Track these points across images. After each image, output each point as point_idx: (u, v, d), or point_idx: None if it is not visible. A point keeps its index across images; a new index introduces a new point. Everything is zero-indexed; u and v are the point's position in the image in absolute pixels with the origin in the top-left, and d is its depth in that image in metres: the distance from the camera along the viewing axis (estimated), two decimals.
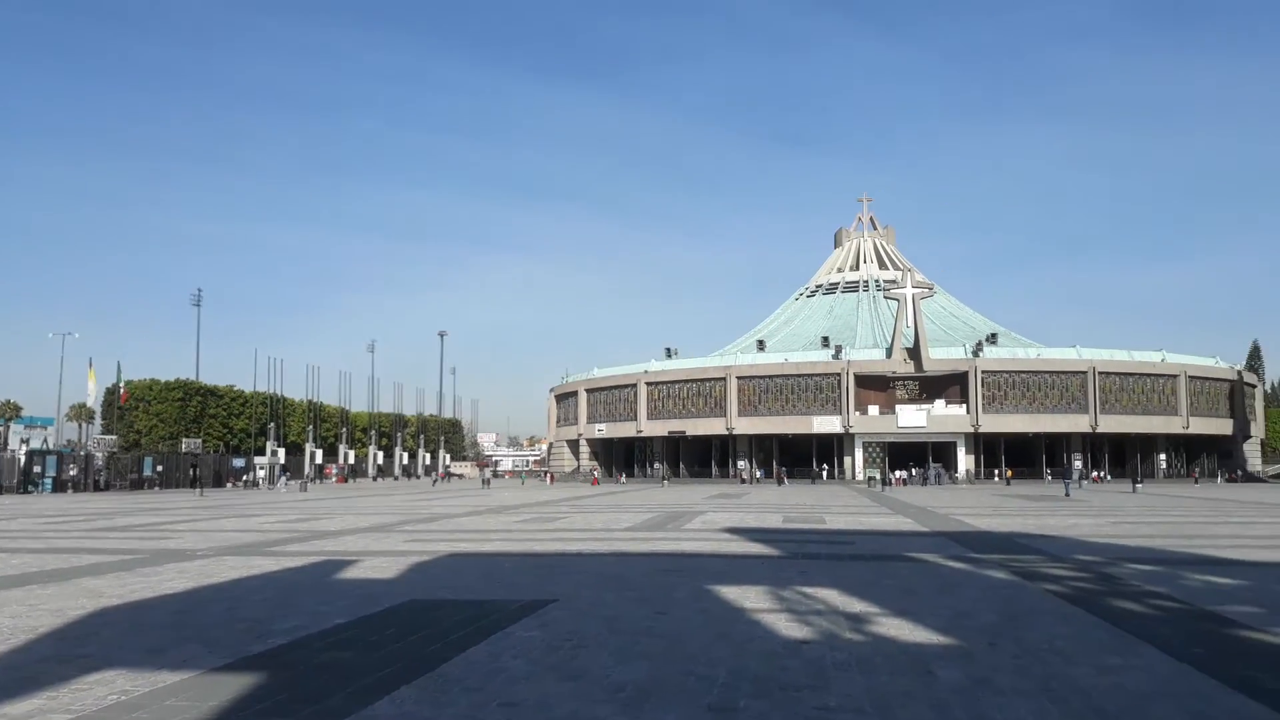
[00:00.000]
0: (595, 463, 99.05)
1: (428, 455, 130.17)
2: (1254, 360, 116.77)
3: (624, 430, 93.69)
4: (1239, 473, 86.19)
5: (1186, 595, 12.05)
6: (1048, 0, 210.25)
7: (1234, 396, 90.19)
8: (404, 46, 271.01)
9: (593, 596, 12.06)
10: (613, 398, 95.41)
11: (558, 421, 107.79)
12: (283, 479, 69.92)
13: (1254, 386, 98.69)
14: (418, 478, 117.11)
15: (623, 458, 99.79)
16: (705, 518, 29.47)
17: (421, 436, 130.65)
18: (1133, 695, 6.93)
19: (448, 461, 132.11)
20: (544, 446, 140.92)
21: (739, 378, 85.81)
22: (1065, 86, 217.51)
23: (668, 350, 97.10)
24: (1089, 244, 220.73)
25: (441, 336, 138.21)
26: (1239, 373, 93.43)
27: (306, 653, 8.55)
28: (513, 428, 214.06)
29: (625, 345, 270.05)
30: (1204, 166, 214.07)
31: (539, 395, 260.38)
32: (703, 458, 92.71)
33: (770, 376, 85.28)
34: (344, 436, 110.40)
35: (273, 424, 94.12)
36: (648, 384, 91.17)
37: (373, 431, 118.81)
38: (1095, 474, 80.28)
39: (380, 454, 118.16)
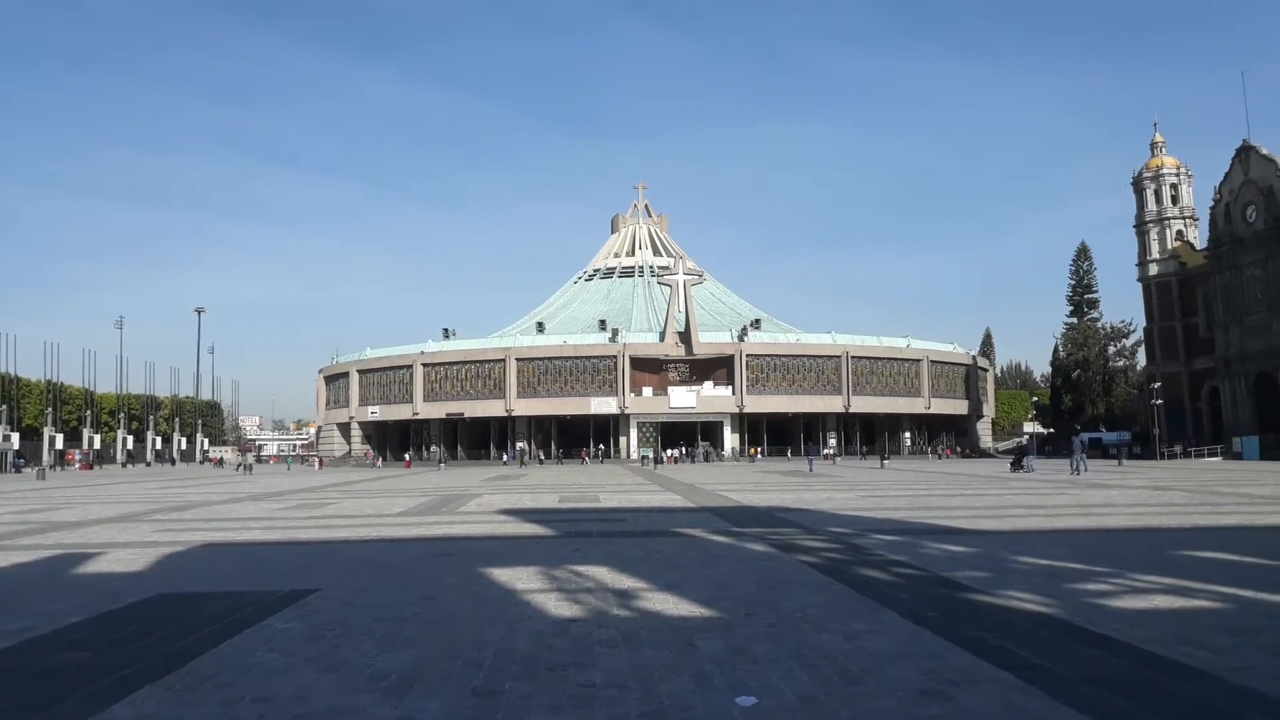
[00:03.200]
0: (368, 446, 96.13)
1: (183, 440, 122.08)
2: (986, 346, 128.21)
3: (399, 413, 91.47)
4: (971, 449, 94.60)
5: (925, 563, 13.07)
6: (819, 4, 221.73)
7: (969, 379, 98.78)
8: None
9: (358, 584, 11.69)
10: (387, 379, 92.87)
11: (328, 404, 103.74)
12: (14, 465, 63.57)
13: (986, 370, 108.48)
14: (172, 463, 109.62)
15: (398, 441, 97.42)
16: (481, 500, 29.23)
17: (177, 420, 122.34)
18: (874, 657, 7.44)
19: (205, 446, 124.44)
20: (313, 430, 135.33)
21: (518, 359, 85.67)
22: (833, 87, 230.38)
23: (445, 331, 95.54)
24: (845, 236, 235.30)
25: (199, 313, 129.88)
26: (974, 358, 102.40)
27: (35, 656, 7.81)
28: (278, 410, 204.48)
29: (400, 325, 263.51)
30: (952, 167, 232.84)
31: (307, 376, 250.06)
32: (481, 440, 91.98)
33: (549, 358, 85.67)
34: (89, 420, 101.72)
35: (4, 406, 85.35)
36: (424, 365, 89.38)
37: (121, 415, 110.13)
38: (826, 452, 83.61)
39: (130, 439, 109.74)
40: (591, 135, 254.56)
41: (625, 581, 11.48)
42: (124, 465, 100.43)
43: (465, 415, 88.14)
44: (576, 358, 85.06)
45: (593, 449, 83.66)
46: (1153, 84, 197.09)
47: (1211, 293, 73.10)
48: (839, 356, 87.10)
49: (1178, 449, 69.66)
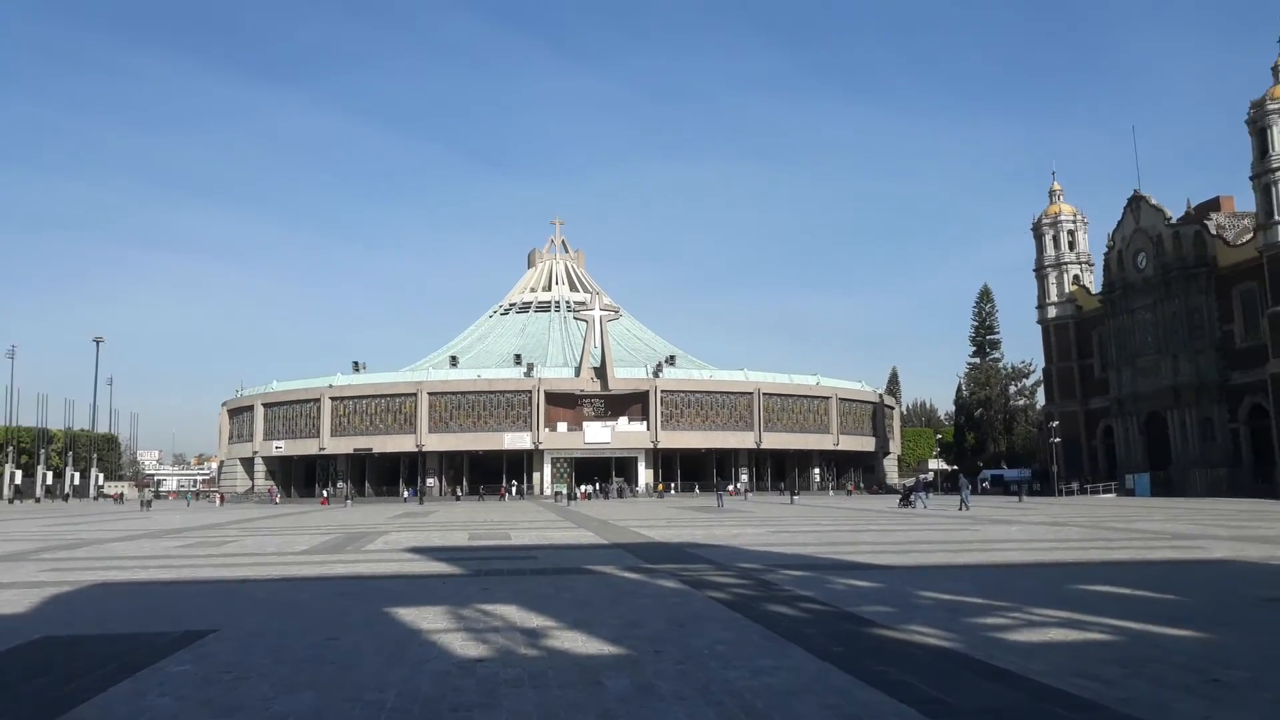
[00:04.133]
0: (272, 482, 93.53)
1: (76, 474, 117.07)
2: (893, 385, 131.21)
3: (305, 448, 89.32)
4: (878, 485, 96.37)
5: (832, 598, 13.25)
6: (734, 50, 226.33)
7: (876, 417, 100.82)
8: (56, 15, 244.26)
9: (258, 625, 11.35)
10: (293, 413, 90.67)
11: (231, 438, 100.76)
12: None
13: (893, 408, 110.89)
14: (65, 499, 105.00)
15: (303, 477, 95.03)
16: (388, 538, 28.66)
17: (70, 454, 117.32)
18: (780, 694, 7.51)
19: (101, 481, 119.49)
20: (214, 465, 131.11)
21: (431, 393, 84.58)
22: (747, 130, 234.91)
23: (355, 364, 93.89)
24: (759, 275, 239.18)
25: (97, 343, 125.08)
26: (881, 396, 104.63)
27: None
28: (179, 444, 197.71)
29: (308, 359, 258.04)
30: (864, 209, 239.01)
31: (210, 409, 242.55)
32: (390, 476, 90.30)
33: (463, 393, 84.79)
34: None
35: None
36: (333, 399, 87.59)
37: (10, 448, 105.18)
38: (731, 488, 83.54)
39: (20, 473, 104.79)
40: (509, 170, 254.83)
41: (534, 620, 11.38)
42: (11, 501, 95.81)
43: (374, 450, 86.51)
44: (490, 392, 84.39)
45: (506, 484, 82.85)
46: (1052, 134, 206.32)
47: (1106, 335, 76.17)
48: (751, 393, 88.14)
49: (1075, 485, 72.05)
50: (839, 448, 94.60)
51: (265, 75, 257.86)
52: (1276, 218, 57.37)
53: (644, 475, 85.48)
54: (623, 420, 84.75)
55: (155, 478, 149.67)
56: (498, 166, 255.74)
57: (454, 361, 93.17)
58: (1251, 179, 59.63)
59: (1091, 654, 8.98)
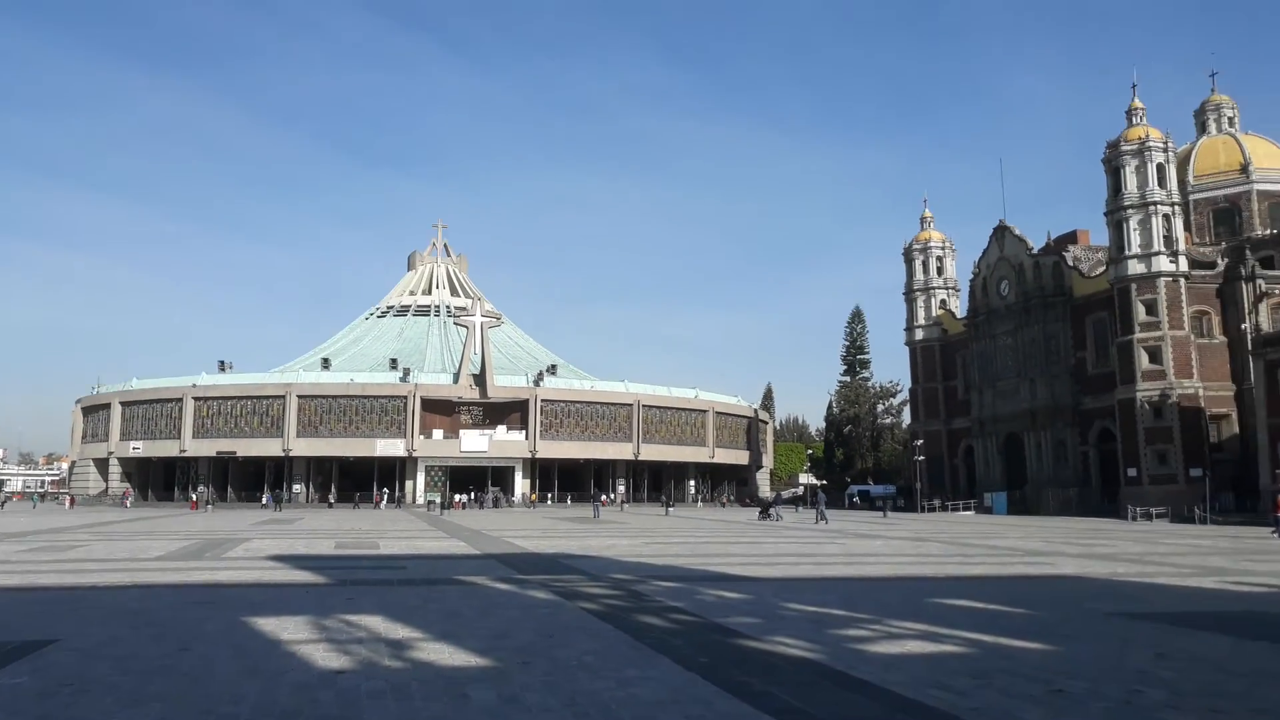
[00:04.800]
0: (128, 484, 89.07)
1: None
2: (768, 400, 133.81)
3: (165, 449, 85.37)
4: (750, 498, 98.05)
5: (701, 609, 13.40)
6: (627, 63, 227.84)
7: (751, 431, 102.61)
8: None
9: (104, 634, 10.78)
10: (154, 413, 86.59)
11: (84, 437, 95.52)
12: None
13: (767, 423, 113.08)
14: None
15: (162, 480, 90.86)
16: (250, 545, 27.67)
17: None
18: (645, 704, 7.54)
19: None
20: (65, 465, 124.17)
21: (300, 396, 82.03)
22: (637, 144, 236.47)
23: (221, 364, 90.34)
24: (643, 288, 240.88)
25: None
26: (756, 411, 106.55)
27: None
28: (27, 443, 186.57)
29: (171, 356, 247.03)
30: (746, 227, 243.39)
31: (62, 406, 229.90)
32: (255, 481, 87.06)
33: (334, 396, 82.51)
34: None
35: None
36: (196, 399, 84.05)
37: None
38: (604, 498, 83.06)
39: None
40: (391, 170, 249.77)
41: (400, 631, 11.14)
42: None
43: (238, 454, 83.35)
44: (364, 397, 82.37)
45: (378, 492, 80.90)
46: (926, 163, 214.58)
47: (969, 359, 79.42)
48: (631, 405, 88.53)
49: (937, 502, 74.77)
50: (714, 460, 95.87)
51: (133, 58, 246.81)
52: (1127, 253, 60.94)
53: (521, 485, 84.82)
54: (501, 429, 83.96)
55: None
56: (380, 165, 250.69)
57: (326, 364, 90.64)
58: (1106, 215, 63.18)
59: (946, 665, 9.32)
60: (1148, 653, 10.14)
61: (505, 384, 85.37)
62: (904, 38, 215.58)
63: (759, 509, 56.05)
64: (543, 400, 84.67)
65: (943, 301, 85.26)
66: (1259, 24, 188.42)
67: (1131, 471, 59.75)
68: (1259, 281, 60.40)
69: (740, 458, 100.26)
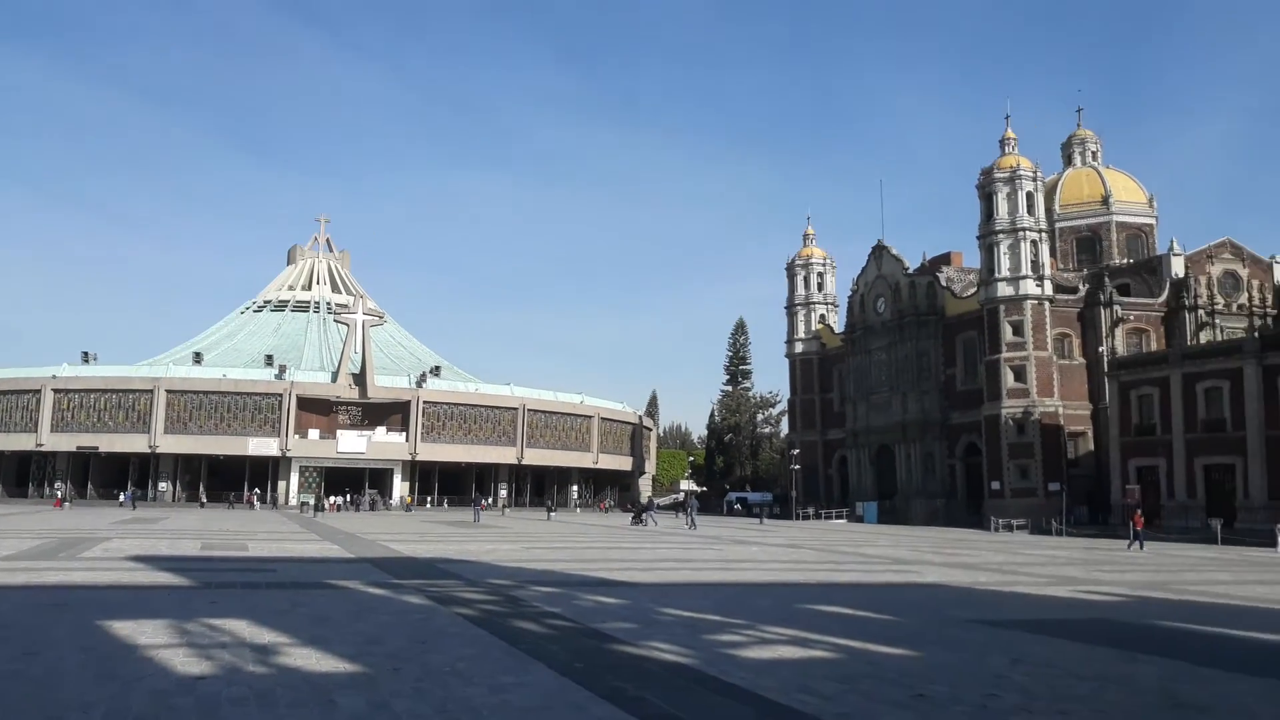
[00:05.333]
0: None
1: None
2: (652, 407, 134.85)
3: (19, 443, 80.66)
4: (632, 504, 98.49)
5: (578, 614, 13.40)
6: (520, 66, 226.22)
7: (635, 437, 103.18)
8: None
9: None
10: (8, 404, 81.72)
11: None
12: None
13: (651, 430, 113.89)
14: None
15: (15, 475, 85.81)
16: (110, 545, 26.40)
17: None
18: (518, 710, 7.50)
19: None
20: None
21: (169, 391, 78.69)
22: (532, 148, 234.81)
23: (85, 355, 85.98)
24: (532, 291, 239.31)
25: None
26: (640, 417, 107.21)
27: None
28: None
29: (29, 346, 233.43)
30: (637, 237, 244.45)
31: None
32: (118, 478, 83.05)
33: (205, 392, 79.42)
34: None
35: None
36: (55, 391, 79.72)
37: None
38: (483, 502, 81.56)
39: None
40: (272, 160, 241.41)
41: (266, 636, 10.80)
42: None
43: (100, 449, 79.43)
44: (237, 393, 79.52)
45: (249, 492, 78.15)
46: (810, 180, 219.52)
47: (845, 372, 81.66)
48: (516, 409, 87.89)
49: (812, 510, 76.58)
50: (598, 466, 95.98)
51: None
52: (997, 275, 63.67)
53: (400, 488, 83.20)
54: (380, 430, 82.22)
55: None
56: (261, 155, 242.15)
57: (198, 358, 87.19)
58: (978, 238, 65.91)
59: (815, 670, 9.55)
60: (1004, 658, 10.60)
61: (386, 384, 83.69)
62: (792, 58, 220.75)
63: (632, 515, 56.81)
64: (425, 402, 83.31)
65: (822, 316, 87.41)
66: (1122, 63, 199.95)
67: (995, 484, 62.35)
68: (1116, 307, 63.91)
69: (624, 464, 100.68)
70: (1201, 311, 64.18)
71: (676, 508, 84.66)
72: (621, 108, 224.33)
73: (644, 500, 73.57)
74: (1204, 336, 62.49)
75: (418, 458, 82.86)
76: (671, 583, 19.21)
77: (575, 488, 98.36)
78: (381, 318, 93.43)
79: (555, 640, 11.12)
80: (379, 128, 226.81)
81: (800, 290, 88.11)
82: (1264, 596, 19.19)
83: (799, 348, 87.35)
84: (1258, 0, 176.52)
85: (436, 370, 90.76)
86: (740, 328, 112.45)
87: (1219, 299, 65.38)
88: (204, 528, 39.18)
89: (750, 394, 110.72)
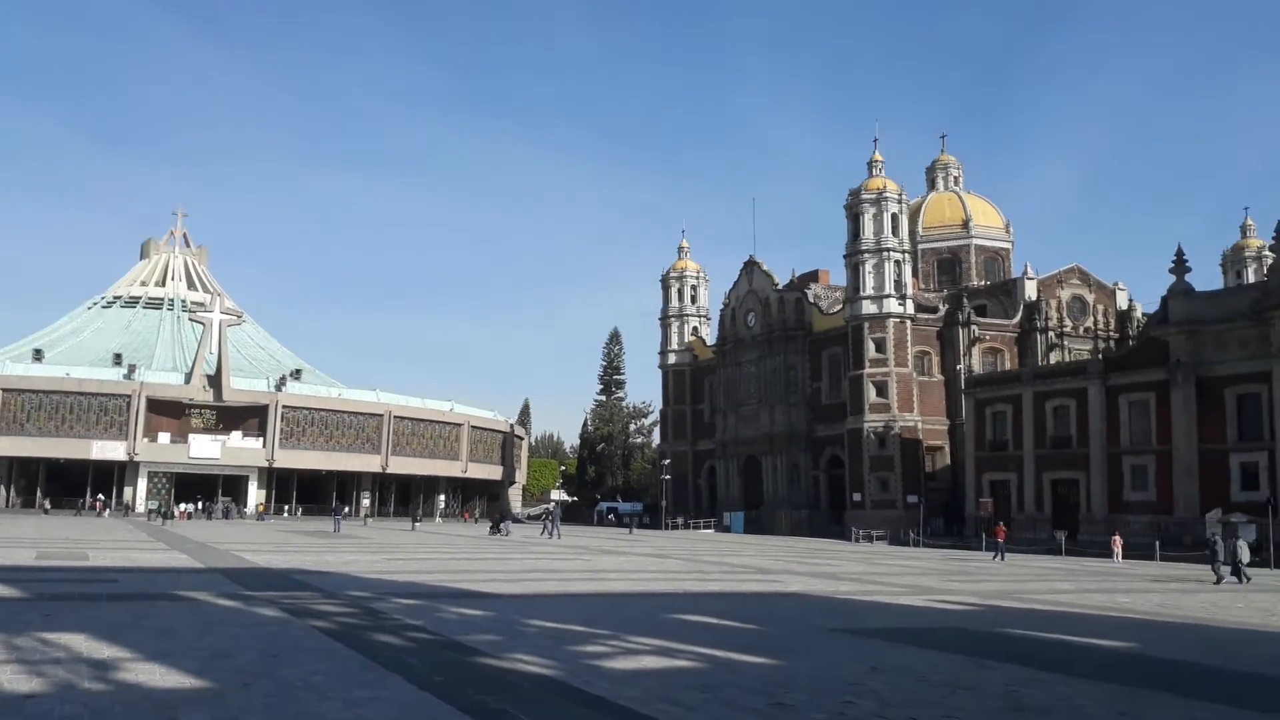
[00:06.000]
0: None
1: None
2: (524, 416, 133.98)
3: None
4: (501, 514, 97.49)
5: (440, 627, 13.10)
6: (392, 66, 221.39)
7: (506, 446, 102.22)
8: None
9: None
10: None
11: None
12: None
13: (522, 439, 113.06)
14: None
15: None
16: None
17: None
18: None
19: None
20: None
21: (5, 390, 73.81)
22: (401, 148, 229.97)
23: None
24: (403, 296, 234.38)
25: None
26: (512, 426, 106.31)
27: None
28: None
29: None
30: (512, 242, 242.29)
31: None
32: None
33: (45, 392, 74.79)
34: None
35: None
36: None
37: None
38: (344, 510, 78.48)
39: None
40: (125, 150, 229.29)
41: (106, 651, 10.17)
42: None
43: None
44: (81, 394, 75.14)
45: (94, 498, 73.85)
46: (686, 194, 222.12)
47: (716, 384, 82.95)
48: (381, 415, 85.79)
49: (680, 520, 77.39)
50: (467, 475, 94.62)
51: None
52: (862, 293, 65.73)
53: (256, 495, 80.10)
54: (236, 435, 78.99)
55: None
56: (113, 144, 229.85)
57: (38, 355, 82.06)
58: (845, 257, 67.93)
59: (679, 680, 9.58)
60: (862, 666, 10.86)
61: (244, 387, 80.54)
62: (667, 70, 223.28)
63: (490, 525, 56.76)
64: (285, 406, 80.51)
65: (695, 328, 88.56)
66: (985, 94, 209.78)
67: (857, 496, 64.25)
68: (973, 327, 66.86)
69: (494, 473, 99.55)
70: (1051, 333, 67.77)
71: (512, 518, 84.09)
72: (494, 109, 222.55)
73: (501, 510, 73.53)
74: (1054, 357, 65.95)
75: (276, 464, 79.99)
76: (538, 594, 19.04)
77: (443, 497, 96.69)
78: (240, 317, 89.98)
79: (415, 653, 10.83)
80: (241, 119, 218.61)
81: (674, 302, 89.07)
82: (1102, 605, 20.28)
83: (672, 359, 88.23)
84: (1108, 44, 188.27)
85: (297, 374, 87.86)
86: (615, 338, 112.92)
87: (1068, 322, 69.20)
88: (41, 535, 36.88)
89: (624, 404, 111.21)
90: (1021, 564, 36.97)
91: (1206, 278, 75.42)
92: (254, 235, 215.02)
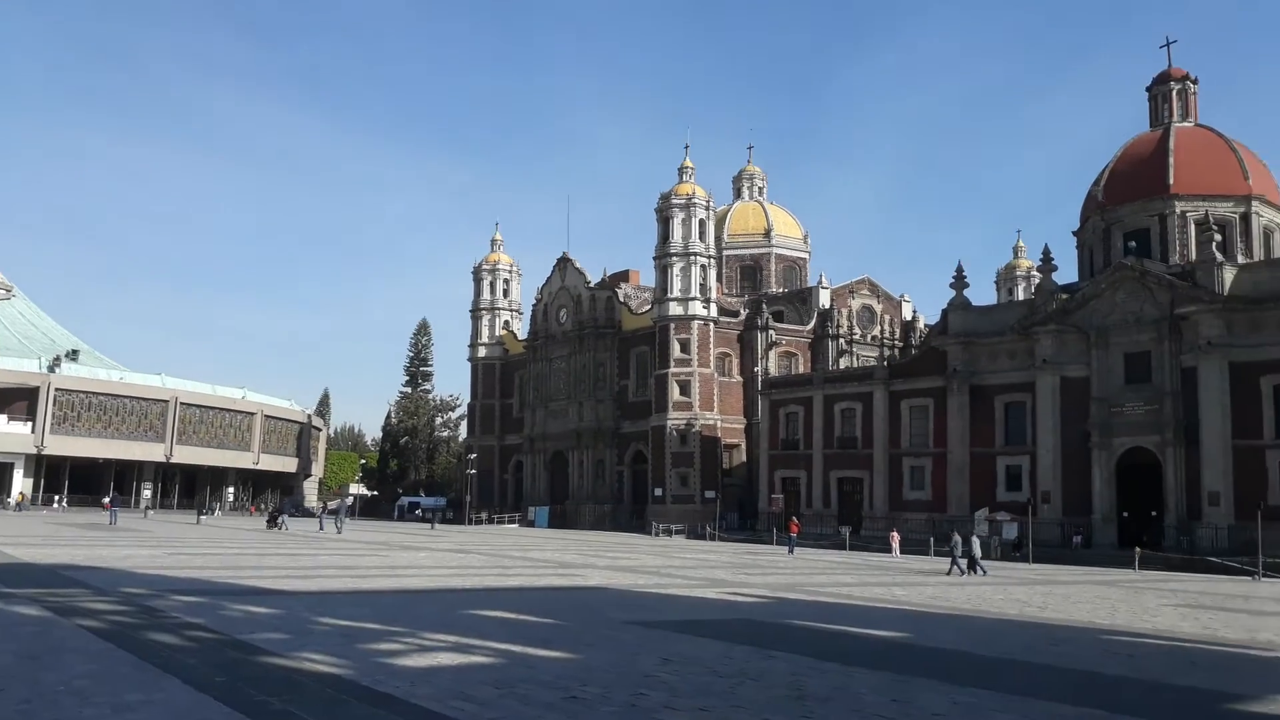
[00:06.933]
0: None
1: None
2: (324, 406, 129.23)
3: None
4: (295, 508, 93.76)
5: (223, 625, 12.50)
6: (194, 34, 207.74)
7: (302, 437, 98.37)
8: None
9: None
10: None
11: None
12: None
13: (321, 430, 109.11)
14: None
15: None
16: None
17: None
18: None
19: None
20: None
21: None
22: (200, 120, 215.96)
23: None
24: (193, 276, 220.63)
25: None
26: (310, 416, 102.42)
27: None
28: None
29: None
30: (313, 226, 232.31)
31: None
32: None
33: None
34: None
35: None
36: None
37: None
38: (111, 500, 74.00)
39: None
40: None
41: None
42: None
43: None
44: None
45: None
46: (501, 186, 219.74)
47: (526, 379, 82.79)
48: (167, 401, 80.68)
49: (485, 515, 76.75)
50: (259, 467, 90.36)
51: None
52: (669, 295, 67.28)
53: (22, 484, 73.64)
54: (1, 419, 72.51)
55: None
56: None
57: None
58: (655, 259, 69.35)
59: (474, 676, 9.53)
60: (655, 658, 11.13)
61: (10, 367, 73.95)
62: (487, 62, 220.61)
63: (267, 518, 55.01)
64: (58, 389, 74.47)
65: (506, 322, 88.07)
66: (791, 109, 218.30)
67: (658, 491, 65.70)
68: (771, 332, 69.70)
69: (289, 465, 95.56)
70: (843, 340, 71.57)
71: (291, 511, 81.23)
72: (301, 84, 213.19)
73: (280, 503, 71.45)
74: (844, 362, 69.62)
75: (46, 451, 73.93)
76: (331, 590, 18.47)
77: (232, 489, 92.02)
78: (9, 291, 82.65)
79: (195, 653, 10.30)
80: (17, 78, 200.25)
81: (486, 295, 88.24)
82: (880, 597, 21.58)
83: (482, 352, 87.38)
84: (906, 67, 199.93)
85: (74, 354, 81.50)
86: (423, 328, 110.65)
87: (857, 330, 73.28)
88: None
89: (430, 396, 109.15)
90: (810, 558, 38.79)
91: (983, 293, 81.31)
92: (27, 204, 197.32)
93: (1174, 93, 53.00)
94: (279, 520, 51.04)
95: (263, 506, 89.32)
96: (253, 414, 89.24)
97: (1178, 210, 48.53)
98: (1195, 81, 53.83)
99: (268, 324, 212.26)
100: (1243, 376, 40.94)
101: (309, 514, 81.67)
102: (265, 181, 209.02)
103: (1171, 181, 48.87)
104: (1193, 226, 47.73)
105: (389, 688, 8.70)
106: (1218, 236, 44.41)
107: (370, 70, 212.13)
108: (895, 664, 11.55)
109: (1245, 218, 48.54)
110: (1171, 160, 49.43)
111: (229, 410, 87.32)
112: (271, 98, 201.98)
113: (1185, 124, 52.19)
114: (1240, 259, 45.51)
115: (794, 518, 47.69)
